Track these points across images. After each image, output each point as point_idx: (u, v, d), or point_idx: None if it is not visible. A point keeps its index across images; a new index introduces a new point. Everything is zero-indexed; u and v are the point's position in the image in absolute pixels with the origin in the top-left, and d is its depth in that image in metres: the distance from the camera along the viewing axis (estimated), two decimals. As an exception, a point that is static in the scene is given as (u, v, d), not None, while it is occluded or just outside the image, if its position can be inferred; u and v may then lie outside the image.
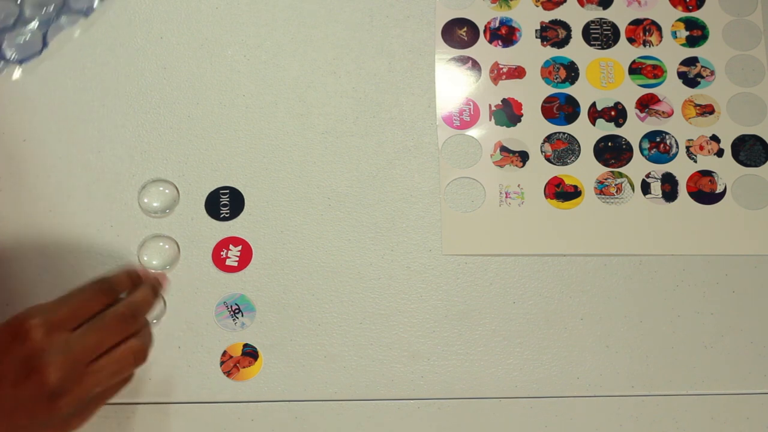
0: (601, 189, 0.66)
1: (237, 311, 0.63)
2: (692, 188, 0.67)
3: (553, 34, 0.70)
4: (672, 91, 0.69)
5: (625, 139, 0.67)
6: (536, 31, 0.70)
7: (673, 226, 0.66)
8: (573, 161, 0.67)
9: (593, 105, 0.68)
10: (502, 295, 0.64)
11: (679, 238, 0.65)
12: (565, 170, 0.67)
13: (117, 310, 0.52)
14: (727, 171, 0.67)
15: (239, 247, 0.64)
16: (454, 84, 0.68)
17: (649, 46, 0.70)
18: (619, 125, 0.68)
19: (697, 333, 0.64)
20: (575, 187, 0.66)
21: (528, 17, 0.70)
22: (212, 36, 0.68)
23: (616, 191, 0.66)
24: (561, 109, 0.68)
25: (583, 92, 0.68)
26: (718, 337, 0.64)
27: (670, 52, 0.70)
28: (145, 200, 0.65)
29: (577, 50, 0.69)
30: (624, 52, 0.69)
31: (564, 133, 0.68)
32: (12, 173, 0.65)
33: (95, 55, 0.67)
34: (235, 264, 0.64)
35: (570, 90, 0.68)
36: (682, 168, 0.67)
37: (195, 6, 0.69)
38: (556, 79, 0.69)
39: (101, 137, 0.66)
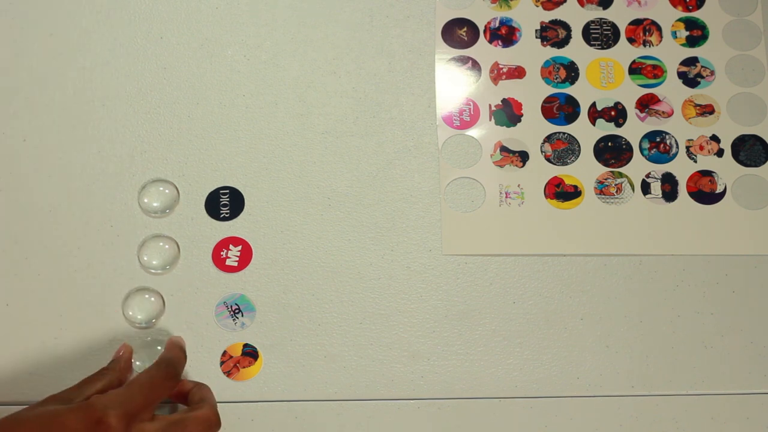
0: (601, 189, 0.66)
1: (237, 311, 0.63)
2: (692, 188, 0.67)
3: (553, 34, 0.70)
4: (672, 91, 0.69)
5: (625, 139, 0.67)
6: (536, 31, 0.70)
7: (673, 226, 0.66)
8: (573, 161, 0.67)
9: (593, 105, 0.68)
10: (502, 295, 0.64)
11: (679, 238, 0.65)
12: (565, 170, 0.67)
13: (198, 415, 0.53)
14: (727, 171, 0.67)
15: (239, 247, 0.64)
16: (454, 84, 0.68)
17: (649, 46, 0.70)
18: (619, 125, 0.68)
19: (697, 333, 0.64)
20: (575, 187, 0.66)
21: (528, 17, 0.70)
22: (212, 36, 0.68)
23: (616, 191, 0.66)
24: (561, 109, 0.68)
25: (583, 92, 0.68)
26: (718, 337, 0.64)
27: (670, 52, 0.69)
28: (145, 200, 0.65)
29: (577, 50, 0.69)
30: (624, 52, 0.69)
31: (564, 133, 0.67)
32: (12, 173, 0.65)
33: (95, 55, 0.67)
34: (235, 264, 0.64)
35: (570, 90, 0.68)
36: (682, 168, 0.67)
37: (195, 6, 0.69)
38: (556, 79, 0.69)
39: (101, 137, 0.66)
